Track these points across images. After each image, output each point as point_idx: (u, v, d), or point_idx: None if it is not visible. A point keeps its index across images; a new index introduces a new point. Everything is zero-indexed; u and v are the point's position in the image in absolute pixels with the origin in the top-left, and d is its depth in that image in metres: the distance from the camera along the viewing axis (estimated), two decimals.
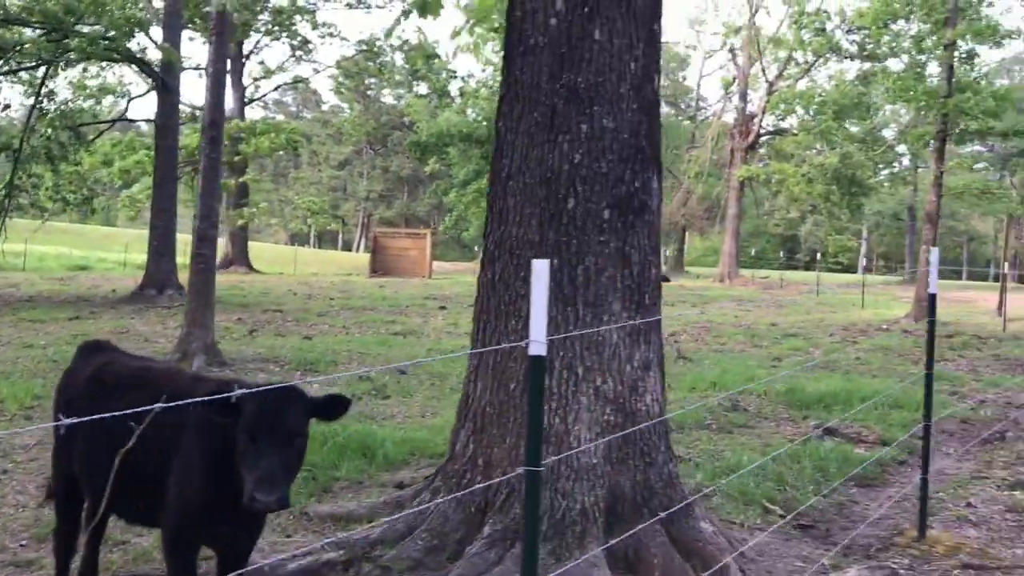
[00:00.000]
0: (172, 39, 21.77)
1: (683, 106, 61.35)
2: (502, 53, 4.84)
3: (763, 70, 40.88)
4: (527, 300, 4.53)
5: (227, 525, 3.65)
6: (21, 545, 5.24)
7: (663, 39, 4.88)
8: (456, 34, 7.24)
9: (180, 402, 3.13)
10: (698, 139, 49.92)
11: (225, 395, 3.29)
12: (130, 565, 4.91)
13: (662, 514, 4.41)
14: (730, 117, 43.38)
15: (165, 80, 22.07)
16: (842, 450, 7.82)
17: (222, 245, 41.41)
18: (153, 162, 23.37)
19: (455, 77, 46.72)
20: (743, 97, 42.13)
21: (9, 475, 6.60)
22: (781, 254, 55.04)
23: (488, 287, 4.70)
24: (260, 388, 3.41)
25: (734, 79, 42.85)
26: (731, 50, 43.10)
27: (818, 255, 48.26)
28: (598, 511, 4.38)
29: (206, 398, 3.18)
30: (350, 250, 72.08)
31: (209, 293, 11.71)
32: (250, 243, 44.65)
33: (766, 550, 5.23)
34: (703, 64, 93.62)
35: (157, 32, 23.03)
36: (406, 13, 6.17)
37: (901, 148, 34.37)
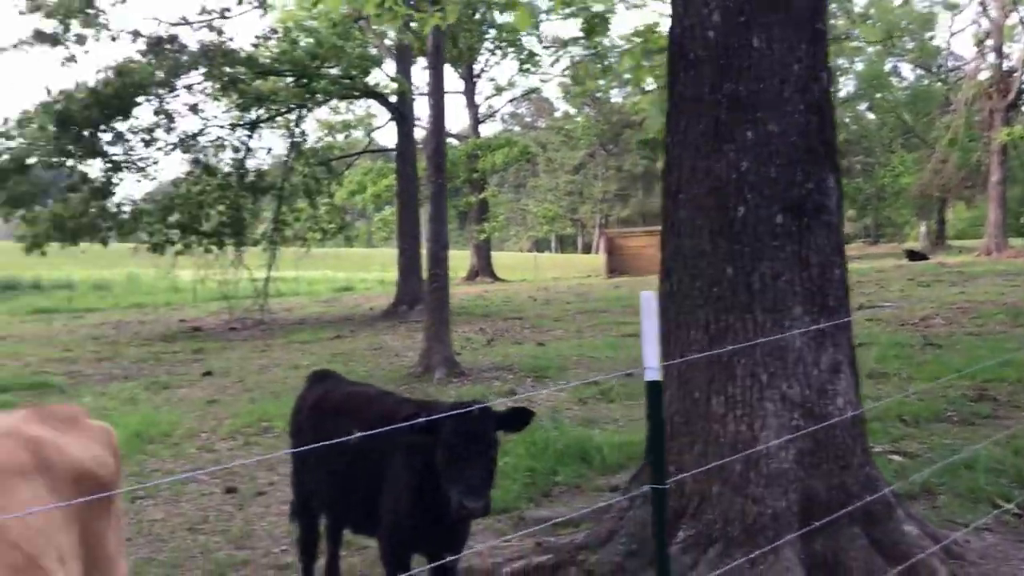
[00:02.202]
0: (404, 71, 23.38)
1: (933, 69, 56.82)
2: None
3: (1021, 20, 37.02)
4: (704, 309, 4.65)
5: (435, 534, 4.06)
6: (282, 550, 6.00)
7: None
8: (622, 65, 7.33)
9: (375, 431, 3.58)
10: (953, 101, 46.06)
11: (428, 418, 3.71)
12: (367, 567, 5.49)
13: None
14: (986, 76, 39.67)
15: (400, 110, 23.69)
16: None
17: (467, 258, 43.51)
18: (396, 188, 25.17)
19: None
20: (999, 52, 38.42)
21: (275, 487, 7.49)
22: None
23: (666, 298, 4.83)
24: (455, 410, 3.77)
25: (987, 34, 39.20)
26: (981, 2, 39.49)
27: None
28: (791, 516, 4.39)
29: (406, 423, 3.60)
30: (589, 252, 73.07)
31: (444, 309, 12.50)
32: (494, 253, 46.46)
33: (990, 552, 4.95)
34: (952, 21, 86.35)
35: (392, 66, 24.82)
36: None
37: None
